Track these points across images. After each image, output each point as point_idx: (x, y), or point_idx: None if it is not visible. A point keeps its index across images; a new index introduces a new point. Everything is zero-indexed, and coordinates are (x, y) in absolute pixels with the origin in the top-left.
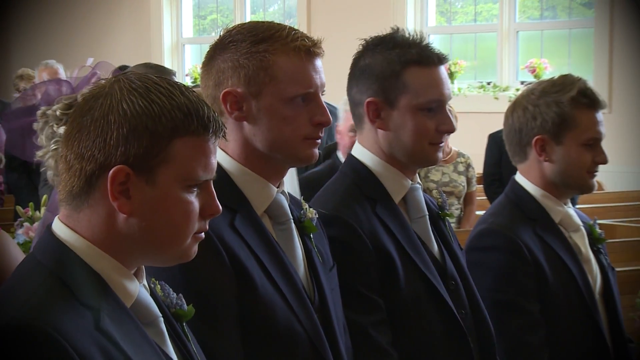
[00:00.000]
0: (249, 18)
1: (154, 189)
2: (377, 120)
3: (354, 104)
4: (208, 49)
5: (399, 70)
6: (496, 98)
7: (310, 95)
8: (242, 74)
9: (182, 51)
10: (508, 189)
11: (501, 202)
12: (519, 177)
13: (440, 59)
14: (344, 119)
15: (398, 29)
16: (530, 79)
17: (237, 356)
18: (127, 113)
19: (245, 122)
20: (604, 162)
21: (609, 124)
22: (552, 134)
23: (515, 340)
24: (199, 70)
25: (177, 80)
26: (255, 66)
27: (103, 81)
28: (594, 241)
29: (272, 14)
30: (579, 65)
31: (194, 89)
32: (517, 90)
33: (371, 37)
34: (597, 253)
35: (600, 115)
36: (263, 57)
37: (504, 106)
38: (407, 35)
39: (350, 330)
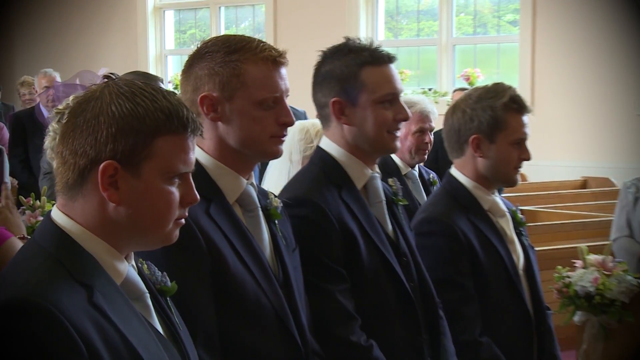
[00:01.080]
0: (223, 32)
1: (139, 181)
2: (342, 117)
3: (319, 106)
4: (187, 59)
5: (356, 71)
6: (436, 102)
7: (276, 99)
8: (217, 80)
9: (165, 61)
10: (445, 182)
11: (439, 193)
12: (454, 171)
13: (390, 58)
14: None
15: (349, 38)
16: (465, 85)
17: (212, 326)
18: (115, 114)
19: (219, 123)
20: (528, 158)
21: (532, 124)
22: (486, 134)
23: (453, 312)
24: (179, 78)
25: (161, 86)
26: (229, 73)
27: (94, 86)
28: (517, 225)
29: (243, 29)
30: (506, 74)
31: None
32: (453, 94)
33: (327, 48)
34: (519, 235)
35: (526, 118)
36: (235, 65)
37: (443, 109)
38: (358, 41)
39: (318, 297)
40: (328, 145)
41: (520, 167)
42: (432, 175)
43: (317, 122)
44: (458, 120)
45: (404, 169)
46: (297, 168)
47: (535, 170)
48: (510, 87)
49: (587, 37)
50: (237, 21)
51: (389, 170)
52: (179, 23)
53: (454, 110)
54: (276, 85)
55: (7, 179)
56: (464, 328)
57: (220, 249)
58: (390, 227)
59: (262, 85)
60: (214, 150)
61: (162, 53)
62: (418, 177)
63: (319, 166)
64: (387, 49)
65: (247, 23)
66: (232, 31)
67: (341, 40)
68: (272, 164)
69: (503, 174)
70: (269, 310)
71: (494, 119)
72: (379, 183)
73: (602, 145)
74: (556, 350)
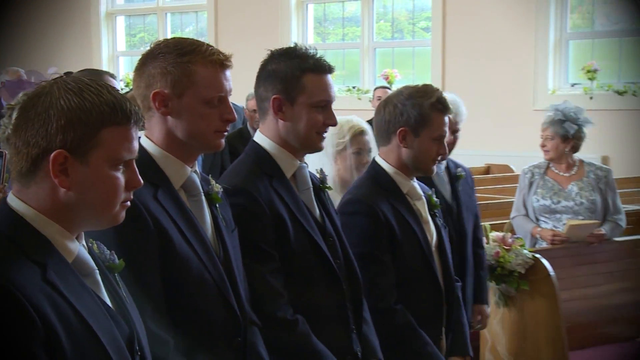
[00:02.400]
0: (169, 36)
1: (87, 168)
2: (279, 113)
3: (260, 100)
4: (140, 58)
5: (298, 75)
6: (359, 99)
7: (221, 98)
8: (169, 79)
9: (117, 62)
10: (370, 167)
11: (363, 177)
12: (378, 158)
13: (330, 69)
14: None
15: (297, 44)
16: (385, 84)
17: (160, 299)
18: (64, 108)
19: (169, 117)
20: (445, 154)
21: None
22: (412, 128)
23: (372, 283)
24: (130, 76)
25: (111, 80)
26: (180, 73)
27: (44, 83)
28: (431, 207)
29: (187, 33)
30: (420, 74)
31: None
32: (374, 91)
33: (276, 49)
34: (433, 216)
35: (447, 119)
36: (186, 66)
37: (366, 105)
38: (304, 48)
39: (250, 276)
40: (261, 139)
41: (437, 160)
42: (460, 169)
43: (353, 118)
44: (389, 113)
45: None
46: (330, 161)
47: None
48: (437, 90)
49: (490, 42)
50: (182, 26)
51: None
52: (129, 27)
53: (387, 103)
54: (222, 86)
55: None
56: (382, 297)
57: (167, 230)
58: (317, 211)
59: (210, 85)
60: (162, 141)
61: (114, 54)
62: (444, 170)
63: (253, 158)
64: (323, 57)
65: (191, 27)
66: (178, 35)
67: (276, 43)
68: (311, 156)
69: (422, 164)
70: (211, 285)
71: (421, 115)
72: (306, 172)
73: (503, 136)
74: (462, 318)
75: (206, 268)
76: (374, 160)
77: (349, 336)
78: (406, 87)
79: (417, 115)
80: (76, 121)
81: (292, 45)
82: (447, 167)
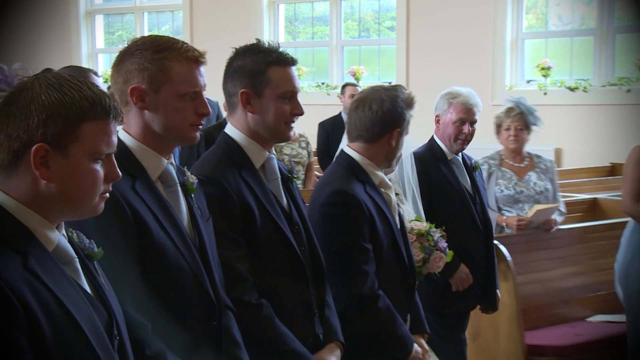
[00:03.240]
0: (146, 34)
1: (67, 161)
2: (248, 106)
3: (229, 95)
4: (117, 54)
5: (263, 68)
6: (328, 94)
7: (196, 93)
8: (146, 75)
9: (96, 59)
10: (340, 158)
11: (337, 168)
12: (347, 150)
13: (293, 61)
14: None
15: (259, 40)
16: (352, 80)
17: (138, 286)
18: (45, 103)
19: (146, 111)
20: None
21: None
22: (405, 128)
23: (356, 270)
24: (109, 73)
25: (94, 77)
26: (157, 69)
27: (26, 79)
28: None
29: (164, 31)
30: (386, 71)
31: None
32: (343, 88)
33: (240, 46)
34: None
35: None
36: (163, 62)
37: (334, 100)
38: (267, 44)
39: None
40: (231, 130)
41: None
42: (474, 160)
43: None
44: (391, 112)
45: (449, 154)
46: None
47: None
48: (410, 92)
49: (452, 41)
50: (158, 24)
51: (437, 156)
52: (107, 25)
53: (373, 102)
54: (196, 81)
55: None
56: (365, 283)
57: (144, 219)
58: (284, 200)
59: (185, 80)
60: (139, 134)
61: (94, 52)
62: (462, 163)
63: (223, 149)
64: (286, 49)
65: (167, 26)
66: (155, 33)
67: (249, 41)
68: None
69: (392, 159)
70: (187, 271)
71: (403, 115)
72: (275, 163)
73: None
74: (417, 298)
75: (182, 255)
76: (344, 152)
77: (311, 320)
78: (384, 86)
79: (405, 117)
80: (57, 116)
81: (254, 42)
82: (463, 159)
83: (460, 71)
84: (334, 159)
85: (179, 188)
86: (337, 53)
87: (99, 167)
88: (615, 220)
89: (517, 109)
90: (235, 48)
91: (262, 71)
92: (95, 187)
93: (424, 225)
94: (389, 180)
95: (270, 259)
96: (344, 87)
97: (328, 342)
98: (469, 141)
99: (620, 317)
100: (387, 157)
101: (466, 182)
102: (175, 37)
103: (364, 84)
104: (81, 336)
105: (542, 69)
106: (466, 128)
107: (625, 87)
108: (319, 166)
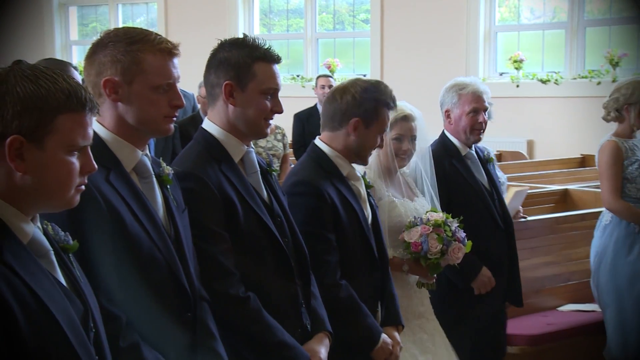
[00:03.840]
0: (120, 26)
1: (43, 153)
2: (230, 98)
3: (211, 86)
4: (90, 46)
5: (250, 62)
6: (303, 86)
7: (169, 85)
8: (119, 67)
9: (70, 50)
10: (310, 150)
11: (306, 160)
12: (318, 142)
13: (278, 59)
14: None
15: (246, 34)
16: (327, 72)
17: (112, 278)
18: (20, 95)
19: (119, 103)
20: (382, 147)
21: None
22: (368, 120)
23: (319, 260)
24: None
25: (71, 70)
26: (130, 61)
27: (1, 70)
28: (366, 187)
29: (138, 23)
30: (360, 63)
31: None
32: (316, 80)
33: (226, 39)
34: (369, 195)
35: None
36: (136, 54)
37: (309, 92)
38: (254, 39)
39: (203, 257)
40: (209, 126)
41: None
42: (487, 152)
43: (401, 103)
44: (347, 103)
45: (462, 150)
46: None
47: None
48: (391, 90)
49: (425, 34)
50: (133, 16)
51: (450, 152)
52: (81, 17)
53: (344, 92)
54: (170, 73)
55: None
56: (327, 273)
57: (118, 211)
58: (265, 193)
59: (158, 72)
60: (113, 126)
61: (67, 43)
62: (476, 157)
63: (202, 144)
64: (272, 47)
65: (142, 18)
66: (129, 25)
67: (224, 33)
68: None
69: (364, 154)
70: (162, 263)
71: (375, 109)
72: (253, 156)
73: (434, 122)
74: (394, 290)
75: (157, 247)
76: (313, 144)
77: (298, 310)
78: (360, 80)
79: (372, 110)
80: (32, 107)
81: (241, 36)
82: (476, 152)
83: (434, 64)
84: (306, 151)
85: (154, 179)
86: (311, 45)
87: (74, 160)
88: (586, 211)
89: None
90: (221, 40)
91: (248, 65)
92: (70, 179)
93: (440, 215)
94: (402, 173)
95: (255, 251)
96: (317, 78)
97: (316, 332)
98: (484, 131)
99: (591, 307)
100: (355, 151)
101: (482, 177)
102: (149, 29)
103: (339, 77)
104: (57, 329)
105: (515, 61)
106: (481, 117)
107: (595, 79)
108: (294, 158)
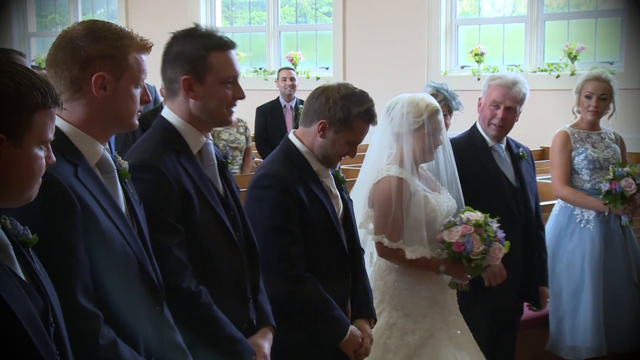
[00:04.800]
0: (80, 19)
1: (20, 150)
2: (190, 92)
3: (169, 81)
4: (68, 38)
5: (205, 54)
6: (265, 79)
7: (142, 81)
8: (109, 62)
9: (28, 42)
10: (282, 144)
11: (277, 152)
12: (292, 137)
13: (232, 44)
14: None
15: (197, 24)
16: (290, 65)
17: (87, 274)
18: (1, 92)
19: (104, 98)
20: (353, 157)
21: None
22: (333, 125)
23: (282, 252)
24: (42, 57)
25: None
26: (121, 57)
27: None
28: (339, 182)
29: (99, 15)
30: (323, 56)
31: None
32: (278, 72)
33: (178, 31)
34: (341, 190)
35: (369, 128)
36: (125, 50)
37: (272, 85)
38: (204, 28)
39: (158, 249)
40: (169, 115)
41: (340, 159)
42: (522, 149)
43: (426, 96)
44: (321, 103)
45: (490, 142)
46: (397, 140)
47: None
48: (372, 102)
49: (387, 27)
50: (93, 8)
51: (476, 143)
52: (40, 8)
53: (323, 92)
54: (145, 69)
55: None
56: (292, 265)
57: (90, 207)
58: (220, 186)
59: (140, 69)
60: (82, 120)
61: (26, 35)
62: (505, 150)
63: (161, 133)
64: (224, 34)
65: (102, 10)
66: (89, 17)
67: (186, 25)
68: (373, 137)
69: (329, 158)
70: (133, 258)
71: (345, 118)
72: (211, 148)
73: None
74: (368, 284)
75: (127, 242)
76: (287, 138)
77: (246, 305)
78: (346, 87)
79: (342, 117)
80: (13, 105)
81: (192, 26)
82: (509, 147)
83: (396, 57)
84: (279, 144)
85: (116, 174)
86: (274, 38)
87: (42, 154)
88: (546, 203)
89: (440, 95)
90: (173, 33)
91: (203, 57)
92: (40, 173)
93: (479, 215)
94: (423, 168)
95: (208, 245)
96: (279, 71)
97: (261, 327)
98: (504, 127)
99: None
100: (320, 152)
101: (509, 171)
102: (111, 22)
103: (301, 69)
104: (15, 324)
105: (476, 54)
106: (500, 112)
107: (555, 72)
108: (257, 151)
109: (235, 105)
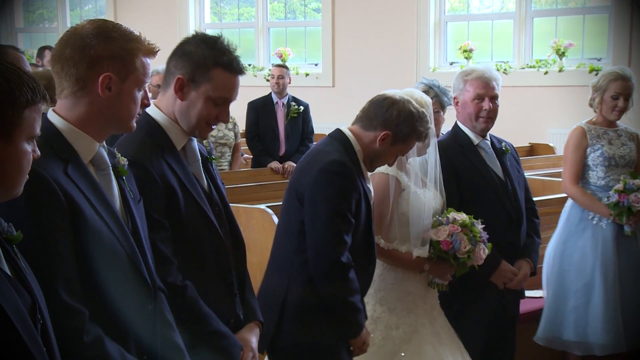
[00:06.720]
0: (68, 14)
1: (11, 147)
2: (179, 92)
3: (168, 73)
4: (80, 36)
5: (210, 65)
6: (255, 75)
7: (145, 84)
8: (117, 63)
9: (15, 38)
10: (336, 135)
11: (332, 142)
12: (345, 129)
13: (241, 71)
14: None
15: (221, 35)
16: (279, 62)
17: (73, 271)
18: None
19: (107, 98)
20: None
21: (333, 95)
22: (397, 139)
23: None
24: (30, 53)
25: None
26: (129, 59)
27: None
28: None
29: (87, 11)
30: (312, 52)
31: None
32: (270, 70)
33: (201, 32)
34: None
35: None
36: (134, 53)
37: (261, 81)
38: (226, 43)
39: None
40: (154, 112)
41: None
42: (504, 143)
43: (414, 91)
44: (391, 115)
45: (475, 139)
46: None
47: None
48: (428, 124)
49: (376, 23)
50: (81, 4)
51: (462, 143)
52: (27, 4)
53: (394, 104)
54: (149, 73)
55: None
56: (343, 252)
57: (78, 204)
58: (205, 182)
59: (145, 72)
60: (80, 118)
61: (13, 31)
62: (490, 147)
63: (145, 129)
64: (211, 30)
65: (90, 5)
66: (77, 13)
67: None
68: None
69: (376, 164)
70: (122, 255)
71: (409, 134)
72: (195, 145)
73: None
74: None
75: (117, 239)
76: (339, 129)
77: (232, 300)
78: (412, 104)
79: (407, 133)
80: (5, 103)
81: (217, 34)
82: (492, 143)
83: (385, 53)
84: (328, 135)
85: (111, 171)
86: (263, 34)
87: (30, 149)
88: (535, 199)
89: (432, 91)
90: (196, 31)
91: (207, 67)
92: (28, 168)
93: (464, 216)
94: (410, 164)
95: (194, 240)
96: (273, 68)
97: (248, 322)
98: (492, 119)
99: (537, 293)
100: (372, 158)
101: (497, 168)
102: (100, 17)
103: (290, 66)
104: (5, 321)
105: (465, 51)
106: (486, 104)
107: (543, 69)
108: (246, 147)
109: (216, 124)
